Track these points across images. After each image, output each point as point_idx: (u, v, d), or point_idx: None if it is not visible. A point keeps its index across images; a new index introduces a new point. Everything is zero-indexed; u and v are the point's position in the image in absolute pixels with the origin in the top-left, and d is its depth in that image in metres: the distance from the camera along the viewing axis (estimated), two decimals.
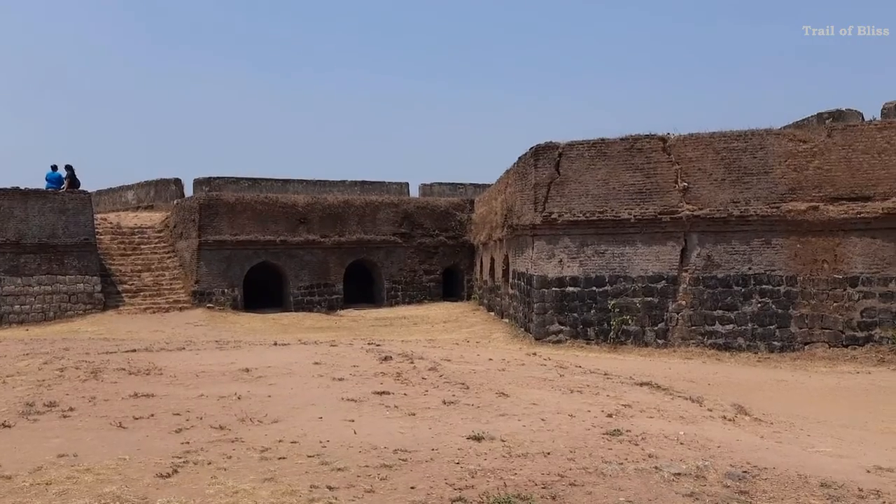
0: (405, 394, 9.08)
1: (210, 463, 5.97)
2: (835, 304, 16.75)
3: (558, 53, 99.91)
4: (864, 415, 10.87)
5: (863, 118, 19.60)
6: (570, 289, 18.00)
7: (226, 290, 27.39)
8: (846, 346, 16.53)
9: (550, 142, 18.42)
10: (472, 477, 5.67)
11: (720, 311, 17.38)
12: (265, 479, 5.53)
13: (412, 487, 5.43)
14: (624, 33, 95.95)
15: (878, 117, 18.57)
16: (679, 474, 5.94)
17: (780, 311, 17.09)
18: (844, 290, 16.69)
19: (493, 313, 25.33)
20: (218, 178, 35.46)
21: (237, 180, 35.84)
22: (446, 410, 8.16)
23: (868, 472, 6.94)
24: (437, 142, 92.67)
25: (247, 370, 10.76)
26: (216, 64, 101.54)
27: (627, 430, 7.35)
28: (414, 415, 7.89)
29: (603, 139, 18.09)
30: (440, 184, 41.00)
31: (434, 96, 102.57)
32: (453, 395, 9.03)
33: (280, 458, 6.12)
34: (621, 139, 17.94)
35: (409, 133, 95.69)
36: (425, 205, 31.99)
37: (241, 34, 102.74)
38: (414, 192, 39.79)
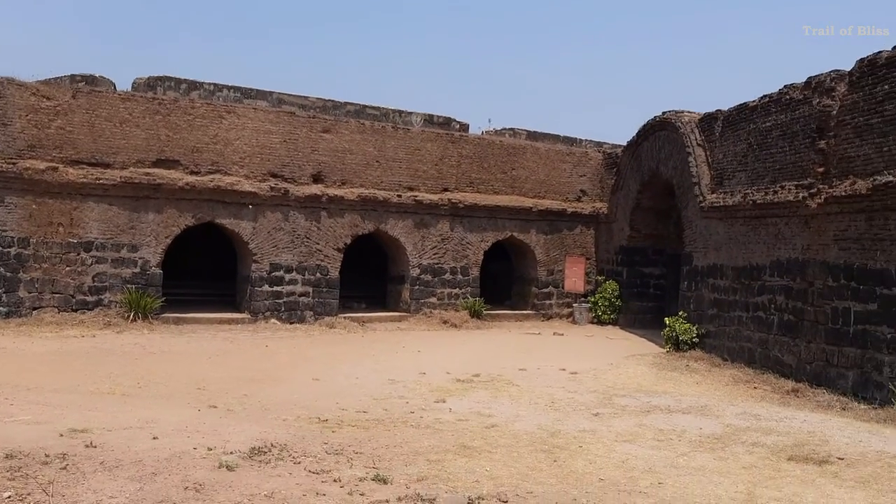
0: None
1: None
2: (68, 269, 16.58)
3: None
4: (79, 378, 10.94)
5: (115, 87, 19.87)
6: None
7: None
8: (76, 311, 16.56)
9: None
10: None
11: None
12: None
13: None
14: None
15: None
16: None
17: (9, 274, 16.00)
18: (79, 254, 16.69)
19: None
20: None
21: None
22: None
23: (61, 435, 6.86)
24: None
25: None
26: None
27: None
28: None
29: None
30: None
31: None
32: None
33: None
34: None
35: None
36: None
37: None
38: None
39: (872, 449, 7.79)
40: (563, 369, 13.75)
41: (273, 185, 18.45)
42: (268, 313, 18.59)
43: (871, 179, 11.30)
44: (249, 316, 18.46)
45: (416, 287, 20.60)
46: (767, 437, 8.41)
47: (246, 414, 9.26)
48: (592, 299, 21.82)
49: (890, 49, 11.44)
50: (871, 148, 11.57)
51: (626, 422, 9.37)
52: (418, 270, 20.56)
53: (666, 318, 17.12)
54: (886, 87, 11.30)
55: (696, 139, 17.06)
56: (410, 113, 22.47)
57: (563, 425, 9.09)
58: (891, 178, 10.88)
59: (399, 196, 20.03)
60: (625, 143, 21.41)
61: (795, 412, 10.16)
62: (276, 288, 18.72)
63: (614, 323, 21.29)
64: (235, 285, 20.05)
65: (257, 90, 20.64)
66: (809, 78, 13.26)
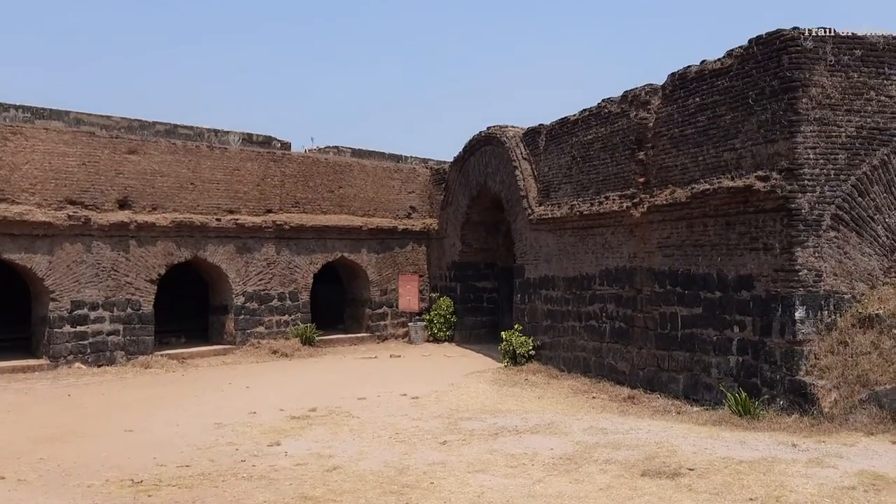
0: None
1: None
2: None
3: None
4: None
5: None
6: None
7: None
8: None
9: None
10: None
11: None
12: None
13: None
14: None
15: None
16: None
17: None
18: None
19: None
20: None
21: None
22: None
23: None
24: None
25: None
26: None
27: None
28: None
29: None
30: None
31: None
32: None
33: None
34: None
35: None
36: None
37: None
38: None
39: (718, 456, 7.84)
40: (405, 394, 13.18)
41: (71, 214, 16.43)
42: (70, 357, 16.49)
43: (690, 188, 11.73)
44: (49, 361, 16.27)
45: (242, 316, 19.23)
46: (618, 453, 8.27)
47: (42, 483, 7.85)
48: (427, 317, 21.49)
49: (698, 63, 11.97)
50: (687, 158, 12.03)
51: (475, 448, 8.91)
52: (243, 298, 19.21)
53: (503, 332, 17.06)
54: (698, 99, 11.80)
55: (521, 153, 17.22)
56: (228, 132, 21.06)
57: (411, 459, 8.47)
58: (707, 187, 11.33)
59: (218, 220, 18.63)
60: (451, 159, 21.35)
61: (638, 421, 10.21)
62: (79, 328, 16.66)
63: (450, 340, 21.07)
64: (30, 328, 17.67)
65: (51, 110, 18.36)
66: (626, 92, 13.68)
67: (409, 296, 22.00)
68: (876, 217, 10.40)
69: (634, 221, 13.05)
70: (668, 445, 8.43)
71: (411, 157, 25.04)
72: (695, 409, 11.09)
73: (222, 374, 16.23)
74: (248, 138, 21.28)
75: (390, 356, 18.89)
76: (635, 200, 12.98)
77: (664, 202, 12.25)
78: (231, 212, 19.05)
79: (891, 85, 10.46)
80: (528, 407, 11.87)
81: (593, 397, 12.71)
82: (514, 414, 11.17)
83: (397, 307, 22.04)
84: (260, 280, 19.49)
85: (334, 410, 11.74)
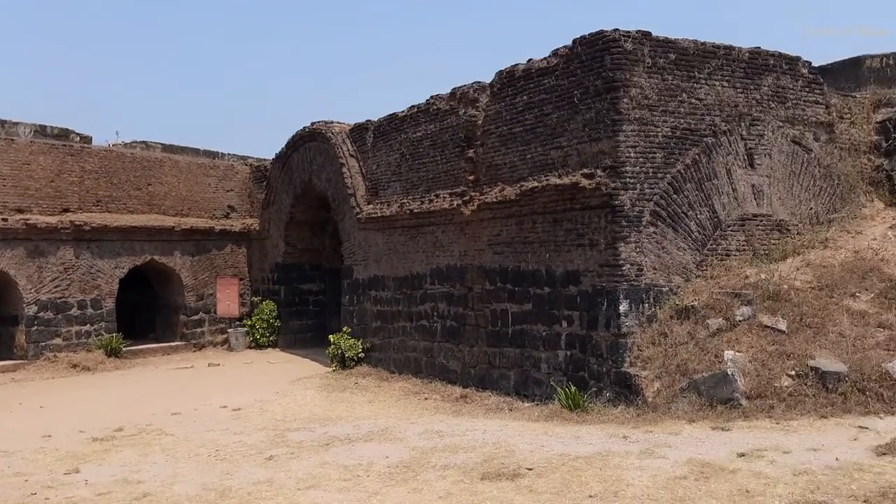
0: None
1: None
2: None
3: None
4: None
5: None
6: None
7: None
8: None
9: None
10: None
11: None
12: None
13: None
14: None
15: None
16: None
17: None
18: None
19: None
20: None
21: None
22: None
23: None
24: None
25: None
26: None
27: None
28: None
29: None
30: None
31: None
32: None
33: None
34: None
35: None
36: None
37: None
38: None
39: (555, 453, 7.75)
40: (225, 406, 12.21)
41: None
42: None
43: (519, 185, 11.76)
44: None
45: (35, 328, 17.13)
46: (456, 457, 7.97)
47: None
48: (249, 322, 20.30)
49: (525, 62, 12.05)
50: (515, 155, 12.07)
51: (305, 462, 8.26)
52: (36, 308, 17.12)
53: (330, 336, 16.41)
54: (525, 97, 11.87)
55: (348, 150, 16.66)
56: (16, 123, 18.70)
57: (234, 479, 7.68)
58: (536, 184, 11.40)
59: (5, 220, 16.46)
60: (274, 156, 20.35)
61: (473, 422, 10.01)
62: None
63: (274, 345, 20.04)
64: None
65: None
66: (454, 89, 13.56)
67: (228, 300, 20.71)
68: (689, 213, 10.93)
69: (465, 219, 12.93)
70: (506, 445, 8.26)
71: (229, 153, 23.64)
72: (526, 404, 11.11)
73: (11, 392, 14.32)
74: (41, 130, 19.06)
75: (208, 365, 17.62)
76: (466, 198, 12.87)
77: (494, 200, 12.22)
78: (20, 211, 16.93)
79: (700, 88, 11.05)
80: (359, 413, 11.36)
81: (426, 398, 12.43)
82: (345, 421, 10.61)
83: (216, 313, 20.65)
84: (56, 287, 17.46)
85: (144, 429, 10.59)
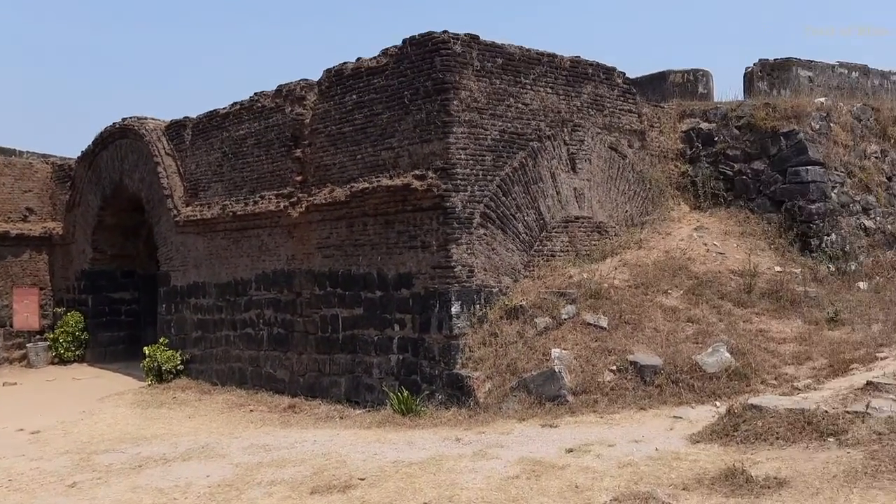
0: None
1: None
2: None
3: None
4: None
5: None
6: None
7: None
8: None
9: None
10: None
11: None
12: None
13: None
14: None
15: None
16: None
17: None
18: None
19: None
20: None
21: None
22: None
23: None
24: None
25: None
26: None
27: None
28: None
29: None
30: None
31: None
32: None
33: None
34: None
35: None
36: None
37: None
38: None
39: (388, 461, 7.51)
40: (22, 429, 10.94)
41: None
42: None
43: (349, 187, 11.45)
44: None
45: None
46: (284, 471, 7.51)
47: None
48: (52, 336, 18.41)
49: (354, 60, 11.77)
50: (345, 156, 11.75)
51: (114, 488, 7.47)
52: None
53: (145, 348, 15.21)
54: (355, 96, 11.59)
55: (164, 148, 15.55)
56: None
57: None
58: (366, 185, 11.14)
59: None
60: (79, 154, 18.62)
61: (302, 433, 9.55)
62: None
63: (81, 360, 18.30)
64: None
65: None
66: (280, 86, 13.01)
67: (27, 312, 18.69)
68: (517, 215, 11.14)
69: (293, 222, 12.42)
70: (337, 456, 7.92)
71: (27, 151, 21.41)
72: (358, 411, 10.81)
73: None
74: None
75: (2, 385, 15.78)
76: (293, 200, 12.36)
77: (323, 201, 11.83)
78: None
79: (526, 93, 11.30)
80: (177, 430, 10.53)
81: (251, 410, 11.78)
82: (161, 440, 9.77)
83: (12, 326, 18.56)
84: None
85: None
